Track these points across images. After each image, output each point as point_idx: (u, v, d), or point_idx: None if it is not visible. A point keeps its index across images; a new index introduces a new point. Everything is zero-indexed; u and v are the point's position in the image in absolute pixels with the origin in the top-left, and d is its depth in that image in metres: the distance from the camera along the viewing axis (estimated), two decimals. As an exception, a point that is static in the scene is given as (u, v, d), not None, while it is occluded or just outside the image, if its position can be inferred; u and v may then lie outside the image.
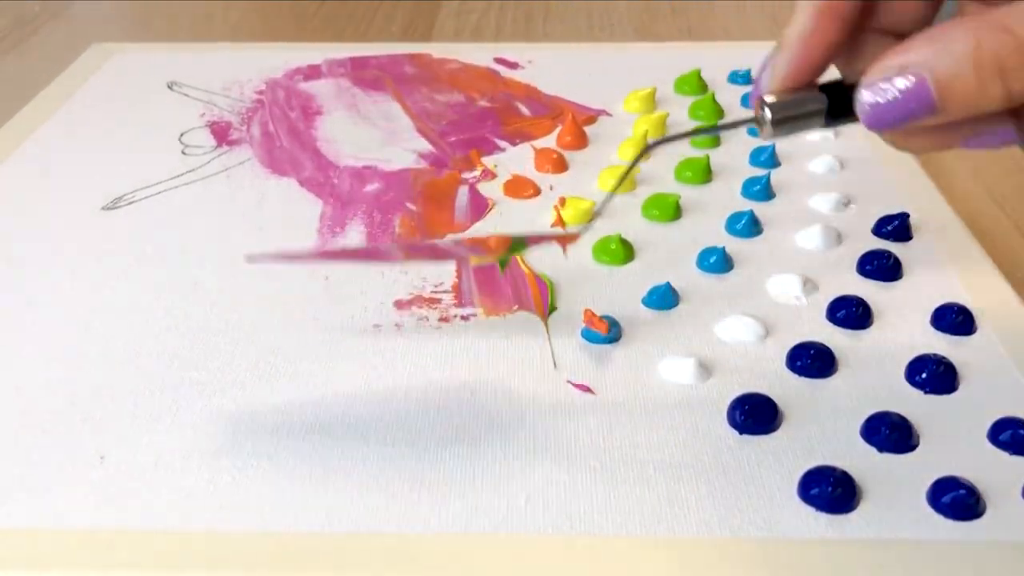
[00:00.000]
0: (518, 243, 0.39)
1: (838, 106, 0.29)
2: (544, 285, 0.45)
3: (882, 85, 0.27)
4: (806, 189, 0.53)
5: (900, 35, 0.29)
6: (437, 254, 0.43)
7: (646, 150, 0.32)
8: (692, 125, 0.59)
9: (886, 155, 0.56)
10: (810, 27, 0.29)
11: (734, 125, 0.31)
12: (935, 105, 0.26)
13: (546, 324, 0.42)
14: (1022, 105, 0.27)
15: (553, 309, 0.43)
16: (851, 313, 0.42)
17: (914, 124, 0.27)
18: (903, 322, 0.42)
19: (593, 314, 0.41)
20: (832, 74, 0.30)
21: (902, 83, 0.26)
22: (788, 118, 0.29)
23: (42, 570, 0.31)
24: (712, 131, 0.37)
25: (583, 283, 0.45)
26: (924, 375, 0.39)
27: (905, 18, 0.31)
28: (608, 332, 0.41)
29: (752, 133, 0.37)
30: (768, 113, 0.29)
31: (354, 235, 0.49)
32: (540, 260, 0.46)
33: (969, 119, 0.27)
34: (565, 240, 0.39)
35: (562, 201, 0.50)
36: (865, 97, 0.27)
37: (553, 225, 0.49)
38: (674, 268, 0.46)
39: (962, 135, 0.28)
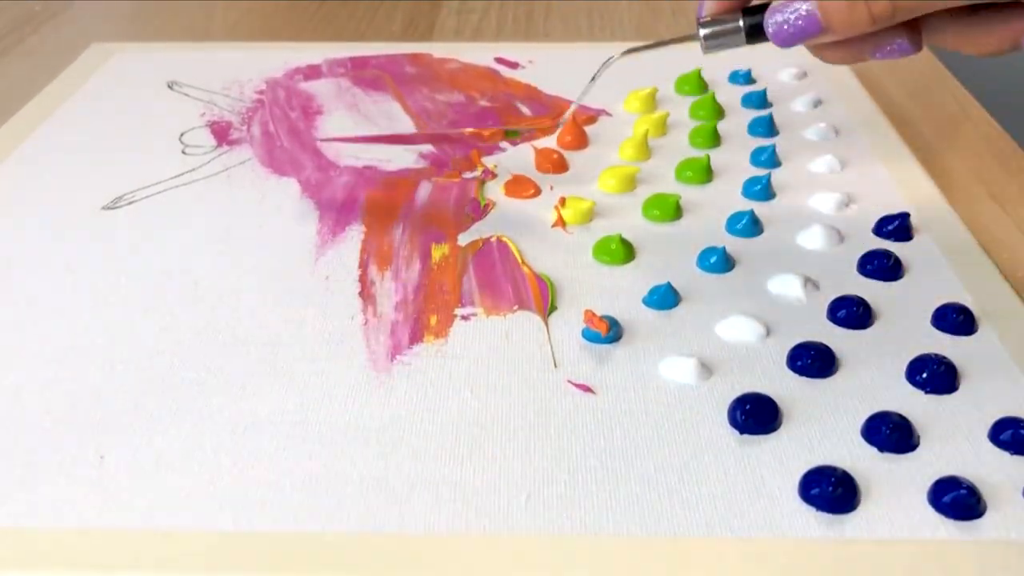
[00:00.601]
0: (512, 132, 0.55)
1: (756, 27, 0.36)
2: (544, 285, 0.45)
3: (782, 11, 0.35)
4: (806, 189, 0.53)
5: None
6: (449, 139, 0.56)
7: (608, 62, 0.44)
8: (693, 126, 0.59)
9: (886, 155, 0.56)
10: None
11: (681, 40, 0.40)
12: (822, 26, 0.34)
13: (546, 324, 0.42)
14: (911, 20, 0.34)
15: (553, 309, 0.43)
16: (852, 313, 0.42)
17: (812, 41, 0.35)
18: (904, 322, 0.42)
19: (593, 314, 0.41)
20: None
21: (796, 8, 0.34)
22: (715, 35, 0.38)
23: (42, 570, 0.31)
24: (671, 43, 0.42)
25: (583, 283, 0.45)
26: (925, 375, 0.39)
27: None
28: (608, 332, 0.41)
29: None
30: (701, 31, 0.38)
31: (354, 235, 0.49)
32: (541, 260, 0.46)
33: (862, 35, 0.34)
34: (551, 124, 0.52)
35: (562, 201, 0.50)
36: (771, 19, 0.35)
37: (554, 226, 0.49)
38: (674, 268, 0.46)
39: (867, 49, 0.35)
